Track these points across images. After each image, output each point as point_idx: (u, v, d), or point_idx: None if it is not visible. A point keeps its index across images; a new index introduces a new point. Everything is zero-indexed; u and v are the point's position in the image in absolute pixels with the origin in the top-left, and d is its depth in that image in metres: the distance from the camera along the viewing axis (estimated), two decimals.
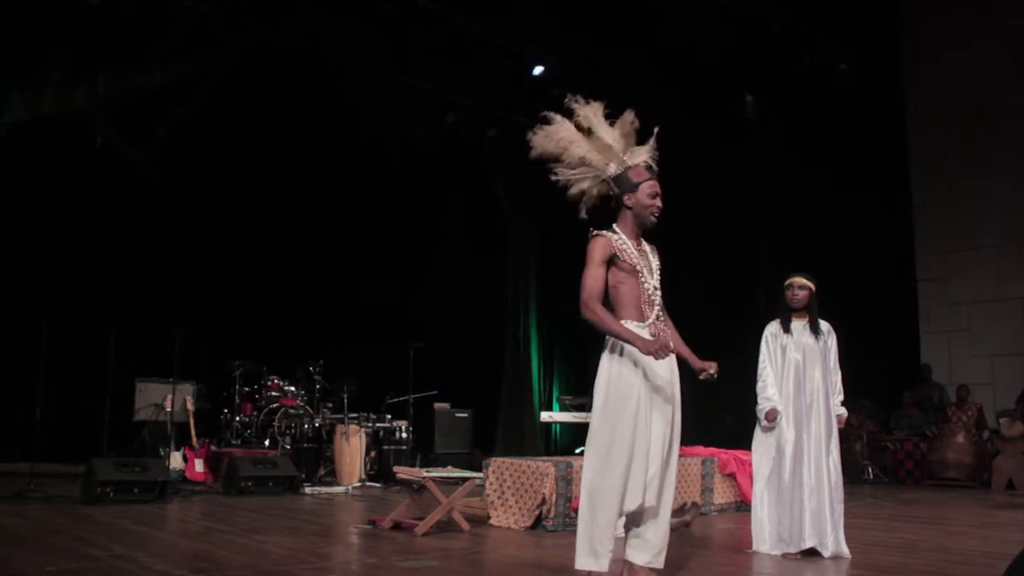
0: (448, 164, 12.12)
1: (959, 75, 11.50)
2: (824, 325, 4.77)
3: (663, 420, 3.30)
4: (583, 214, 3.44)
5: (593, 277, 3.27)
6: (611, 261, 3.32)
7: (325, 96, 10.65)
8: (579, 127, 3.44)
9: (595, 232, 3.37)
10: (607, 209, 3.46)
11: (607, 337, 3.31)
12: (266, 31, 9.36)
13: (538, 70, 10.71)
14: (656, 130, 3.49)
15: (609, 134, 3.41)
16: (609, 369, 3.28)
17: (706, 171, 10.50)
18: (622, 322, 3.28)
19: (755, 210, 11.34)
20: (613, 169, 3.41)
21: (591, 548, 3.18)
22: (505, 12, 9.75)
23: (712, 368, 3.37)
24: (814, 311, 4.76)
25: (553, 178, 3.48)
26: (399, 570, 3.90)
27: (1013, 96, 10.97)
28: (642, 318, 3.33)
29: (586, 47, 10.36)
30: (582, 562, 3.19)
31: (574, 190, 3.45)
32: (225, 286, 10.63)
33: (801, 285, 4.74)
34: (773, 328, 4.81)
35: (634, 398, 3.22)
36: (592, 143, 3.43)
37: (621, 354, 3.26)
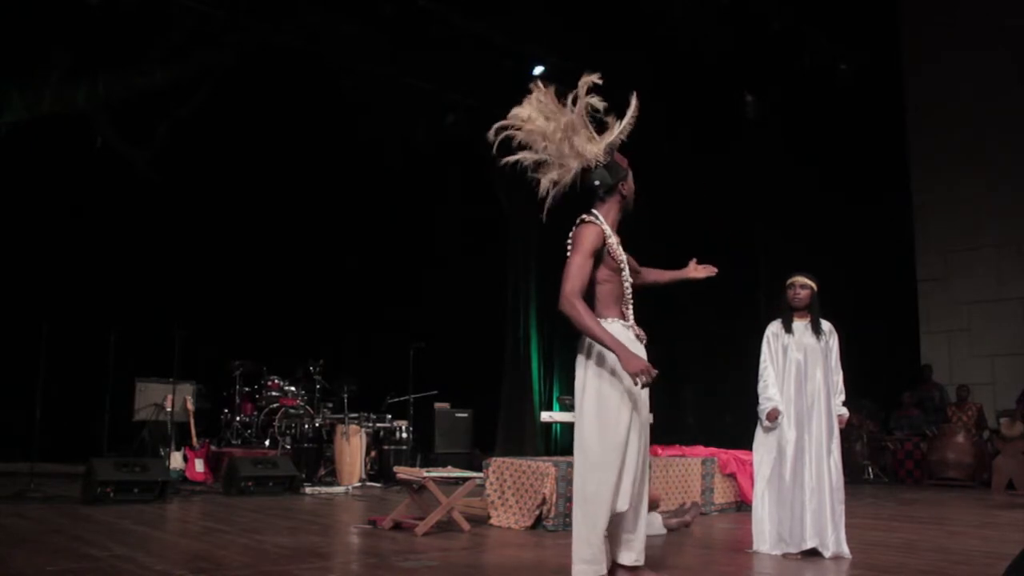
0: (448, 164, 12.12)
1: (959, 75, 11.50)
2: (826, 325, 4.76)
3: (640, 421, 3.21)
4: (547, 207, 3.26)
5: (579, 267, 3.07)
6: (599, 256, 3.16)
7: (325, 96, 10.65)
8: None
9: (587, 219, 3.20)
10: (574, 197, 3.30)
11: (585, 338, 3.17)
12: (266, 31, 9.36)
13: (538, 70, 10.70)
14: (634, 107, 3.23)
15: (581, 118, 3.23)
16: (599, 374, 3.13)
17: (706, 171, 10.50)
18: (607, 321, 3.16)
19: (755, 210, 11.34)
20: (601, 155, 3.24)
21: (591, 555, 3.09)
22: (505, 12, 9.76)
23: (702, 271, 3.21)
24: (816, 311, 4.75)
25: (542, 176, 3.26)
26: (399, 570, 3.90)
27: (1013, 96, 10.98)
28: (624, 317, 3.24)
29: (586, 47, 10.35)
30: (581, 569, 3.10)
31: (566, 179, 3.25)
32: (225, 286, 10.62)
33: (802, 284, 4.73)
34: (774, 328, 4.80)
35: (627, 403, 3.12)
36: (584, 128, 3.24)
37: (604, 357, 3.13)
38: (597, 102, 3.21)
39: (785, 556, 4.48)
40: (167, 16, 9.02)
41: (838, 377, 4.74)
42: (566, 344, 12.70)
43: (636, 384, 2.99)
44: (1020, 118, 10.91)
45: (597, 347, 3.14)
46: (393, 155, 11.59)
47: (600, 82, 3.18)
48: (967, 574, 4.07)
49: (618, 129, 3.26)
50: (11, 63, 8.66)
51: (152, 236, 10.20)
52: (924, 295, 11.81)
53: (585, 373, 3.17)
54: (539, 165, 3.30)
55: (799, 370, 4.66)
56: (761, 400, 4.71)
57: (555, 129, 3.22)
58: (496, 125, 3.30)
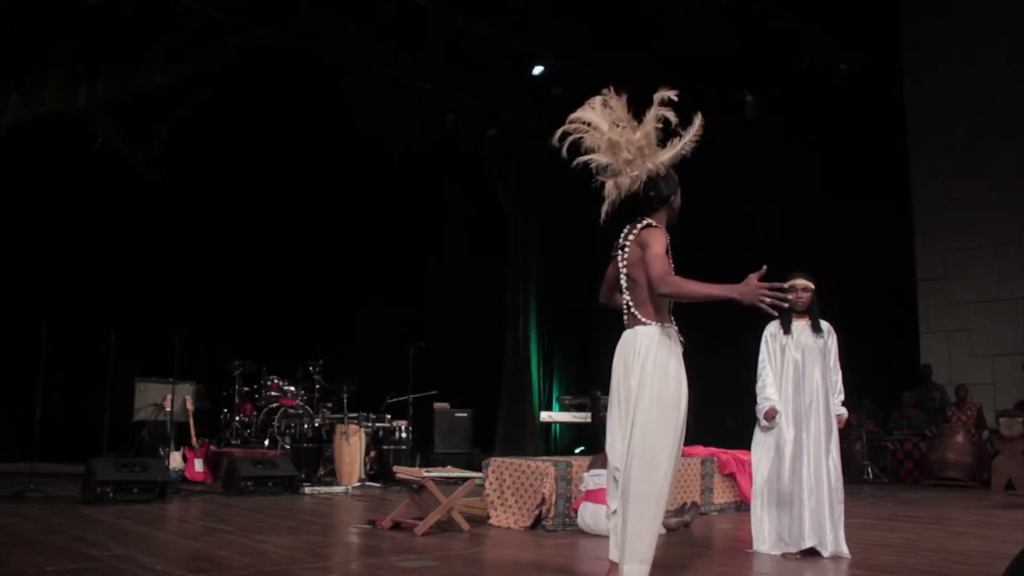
0: (448, 164, 12.13)
1: (959, 75, 11.50)
2: (825, 325, 4.76)
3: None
4: (606, 211, 3.35)
5: (663, 258, 3.20)
6: None
7: (325, 96, 10.65)
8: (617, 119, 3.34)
9: (653, 224, 3.31)
10: (628, 206, 3.39)
11: (651, 337, 3.24)
12: (266, 31, 9.36)
13: (538, 70, 10.72)
14: (698, 125, 3.31)
15: (654, 129, 3.33)
16: (666, 372, 3.23)
17: (705, 171, 10.49)
18: (659, 325, 3.26)
19: (754, 210, 11.34)
20: (663, 168, 3.35)
21: (646, 554, 3.15)
22: (505, 12, 9.76)
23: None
24: (815, 311, 4.75)
25: (608, 179, 3.32)
26: (399, 570, 3.90)
27: (1012, 96, 10.97)
28: (672, 322, 3.35)
29: (586, 47, 10.36)
30: (637, 569, 3.14)
31: (634, 187, 3.32)
32: (225, 286, 10.62)
33: (803, 287, 4.73)
34: (772, 328, 4.81)
35: (684, 403, 3.26)
36: (647, 137, 3.35)
37: (669, 357, 3.25)
38: (671, 116, 3.28)
39: (784, 556, 4.48)
40: (167, 16, 9.02)
41: (837, 377, 4.74)
42: (566, 344, 12.72)
43: (764, 304, 3.02)
44: (1020, 118, 10.90)
45: (656, 346, 3.22)
46: (393, 155, 11.60)
47: (676, 98, 3.26)
48: (967, 574, 4.07)
49: (680, 145, 3.34)
50: (11, 63, 8.66)
51: (152, 236, 10.20)
52: (924, 295, 11.80)
53: (642, 374, 3.23)
54: (605, 168, 3.36)
55: (797, 370, 4.66)
56: (759, 399, 4.71)
57: (628, 139, 3.29)
58: (561, 129, 3.37)
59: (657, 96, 3.28)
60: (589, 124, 3.34)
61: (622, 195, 3.35)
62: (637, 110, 3.35)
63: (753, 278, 3.05)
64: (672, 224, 3.42)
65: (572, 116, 3.38)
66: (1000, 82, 11.11)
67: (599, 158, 3.34)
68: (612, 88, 3.35)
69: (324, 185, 11.50)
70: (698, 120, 3.31)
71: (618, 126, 3.30)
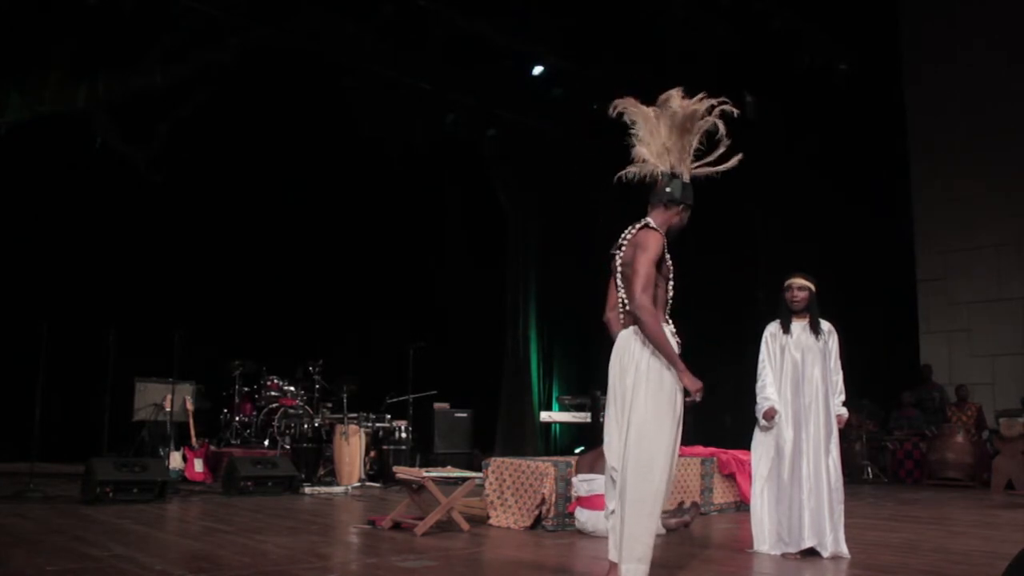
0: (448, 164, 12.12)
1: (959, 75, 11.50)
2: (825, 325, 4.76)
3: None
4: (624, 174, 3.38)
5: (649, 274, 3.22)
6: (658, 263, 3.30)
7: (325, 96, 10.65)
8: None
9: (652, 226, 3.32)
10: (640, 189, 3.41)
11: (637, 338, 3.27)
12: (266, 31, 9.36)
13: (538, 70, 10.72)
14: (733, 162, 3.46)
15: (698, 130, 3.41)
16: (661, 372, 3.24)
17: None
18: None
19: (754, 210, 11.34)
20: (687, 173, 3.37)
21: (643, 553, 3.15)
22: (505, 12, 9.76)
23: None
24: (815, 311, 4.75)
25: (640, 147, 3.38)
26: (399, 570, 3.90)
27: (1012, 96, 10.97)
28: (666, 322, 3.35)
29: (586, 47, 10.36)
30: (635, 568, 3.14)
31: (654, 170, 3.37)
32: (225, 286, 10.61)
33: (800, 287, 4.73)
34: (772, 328, 4.81)
35: (679, 401, 3.27)
36: (692, 141, 3.40)
37: (659, 356, 3.26)
38: (721, 126, 3.40)
39: (784, 556, 4.48)
40: (167, 16, 9.02)
41: (838, 377, 4.74)
42: (566, 344, 12.71)
43: (688, 398, 3.25)
44: (1020, 118, 10.91)
45: (652, 347, 3.25)
46: (393, 155, 11.60)
47: (736, 113, 3.37)
48: (967, 574, 4.07)
49: (711, 168, 3.42)
50: (11, 63, 8.66)
51: (152, 236, 10.19)
52: (924, 295, 11.81)
53: (637, 374, 3.24)
54: (641, 140, 3.42)
55: (796, 370, 4.66)
56: (759, 399, 4.72)
57: (671, 125, 3.36)
58: (619, 102, 3.44)
59: (719, 103, 3.39)
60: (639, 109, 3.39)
61: (641, 174, 3.39)
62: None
63: (700, 385, 3.25)
64: (673, 235, 3.43)
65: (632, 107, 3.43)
66: (1000, 82, 11.11)
67: (643, 134, 3.40)
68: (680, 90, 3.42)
69: (324, 185, 11.49)
70: (737, 158, 3.42)
71: (670, 114, 3.35)
